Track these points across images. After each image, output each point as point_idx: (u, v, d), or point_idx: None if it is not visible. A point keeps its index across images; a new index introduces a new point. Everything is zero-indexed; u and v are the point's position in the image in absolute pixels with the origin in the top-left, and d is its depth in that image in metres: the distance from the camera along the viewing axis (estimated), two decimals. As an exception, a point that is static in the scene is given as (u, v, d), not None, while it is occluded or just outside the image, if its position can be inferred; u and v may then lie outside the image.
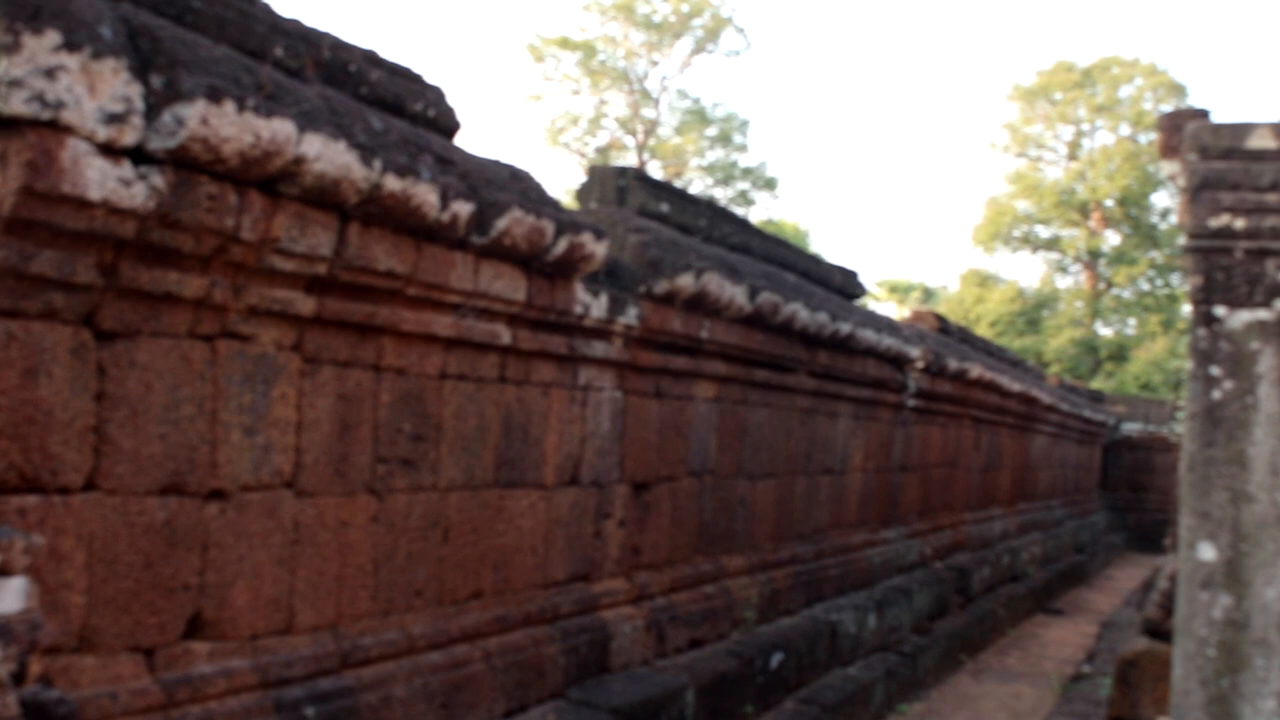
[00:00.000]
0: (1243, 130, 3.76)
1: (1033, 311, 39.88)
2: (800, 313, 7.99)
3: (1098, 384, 35.39)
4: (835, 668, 8.70)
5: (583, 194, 7.42)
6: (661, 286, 6.52)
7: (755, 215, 44.15)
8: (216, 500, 4.24)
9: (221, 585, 4.26)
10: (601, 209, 6.96)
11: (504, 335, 5.56)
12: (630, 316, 6.37)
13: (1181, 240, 3.94)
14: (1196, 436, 3.76)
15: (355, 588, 4.91)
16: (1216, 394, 3.75)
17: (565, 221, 5.53)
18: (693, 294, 6.77)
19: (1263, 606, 3.69)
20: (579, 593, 6.35)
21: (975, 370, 12.24)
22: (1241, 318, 3.75)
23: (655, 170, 42.83)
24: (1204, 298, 3.78)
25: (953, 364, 11.50)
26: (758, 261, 8.24)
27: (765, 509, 8.47)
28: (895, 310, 37.91)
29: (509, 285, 5.39)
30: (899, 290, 49.02)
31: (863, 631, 9.21)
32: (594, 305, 6.04)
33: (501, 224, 5.07)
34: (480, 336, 5.42)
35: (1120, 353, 38.42)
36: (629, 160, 42.63)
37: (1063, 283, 42.75)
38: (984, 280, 42.08)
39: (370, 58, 4.96)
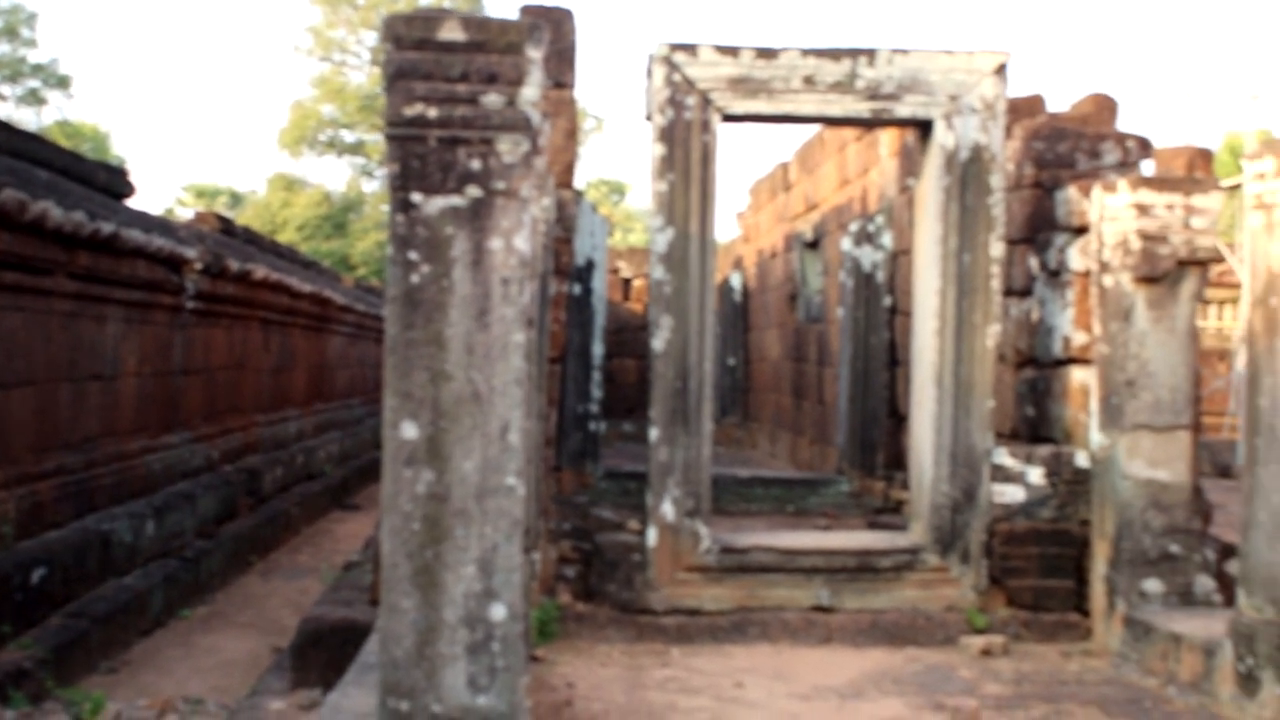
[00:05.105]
0: (435, 22, 3.90)
1: (339, 215, 40.21)
2: (53, 211, 7.56)
3: (404, 286, 36.22)
4: (110, 578, 8.42)
5: None
6: (-125, 180, 5.95)
7: (48, 115, 41.54)
8: None
9: None
10: None
11: None
12: None
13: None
14: (397, 320, 3.89)
15: None
16: (415, 278, 3.89)
17: None
18: (-85, 189, 6.22)
19: (462, 479, 3.90)
20: None
21: (260, 271, 12.14)
22: (437, 204, 3.90)
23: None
24: (402, 185, 3.90)
25: (235, 265, 11.33)
26: (2, 157, 7.69)
27: (24, 419, 7.99)
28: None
29: None
30: (206, 195, 47.91)
31: (140, 539, 8.96)
32: None
33: None
34: None
35: (424, 255, 39.50)
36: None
37: (369, 187, 43.32)
38: (291, 184, 41.88)
39: None
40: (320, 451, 15.31)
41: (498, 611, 3.92)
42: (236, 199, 48.20)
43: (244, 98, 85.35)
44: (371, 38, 42.83)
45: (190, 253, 10.21)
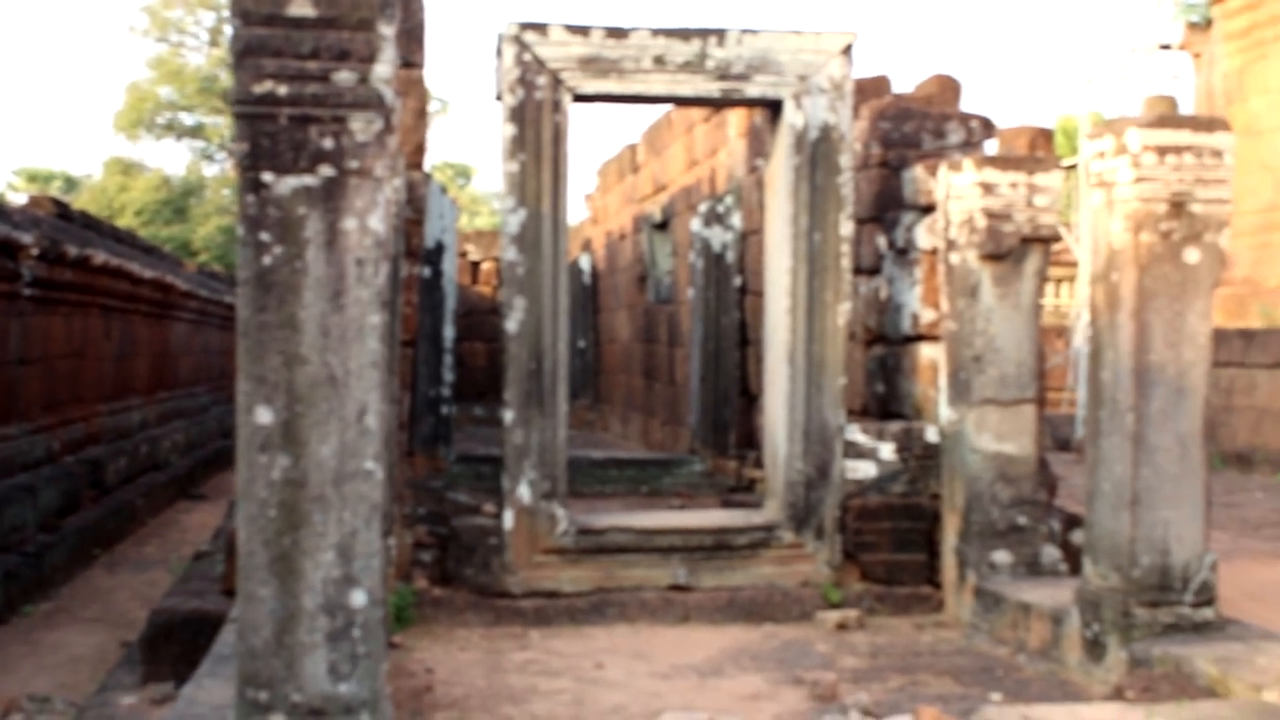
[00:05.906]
0: (284, -2, 3.81)
1: (180, 200, 39.32)
2: (-122, 195, 7.27)
3: (248, 271, 35.57)
4: (-54, 576, 8.16)
5: None
6: None
7: None
8: None
9: None
10: None
11: None
12: None
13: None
14: (250, 303, 3.80)
15: None
16: (267, 259, 3.80)
17: None
18: None
19: (319, 464, 3.83)
20: None
21: (100, 257, 11.81)
22: (289, 184, 3.82)
23: None
24: (252, 164, 3.81)
25: (73, 251, 11.01)
26: None
27: None
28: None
29: None
30: (40, 179, 46.49)
31: (-22, 535, 8.69)
32: None
33: None
34: None
35: (268, 239, 38.83)
36: None
37: (209, 170, 42.43)
38: (128, 168, 40.84)
39: None
40: (165, 441, 14.99)
41: (358, 598, 3.86)
42: (71, 183, 46.83)
43: (77, 80, 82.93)
44: (210, 18, 41.90)
45: (26, 238, 9.89)
